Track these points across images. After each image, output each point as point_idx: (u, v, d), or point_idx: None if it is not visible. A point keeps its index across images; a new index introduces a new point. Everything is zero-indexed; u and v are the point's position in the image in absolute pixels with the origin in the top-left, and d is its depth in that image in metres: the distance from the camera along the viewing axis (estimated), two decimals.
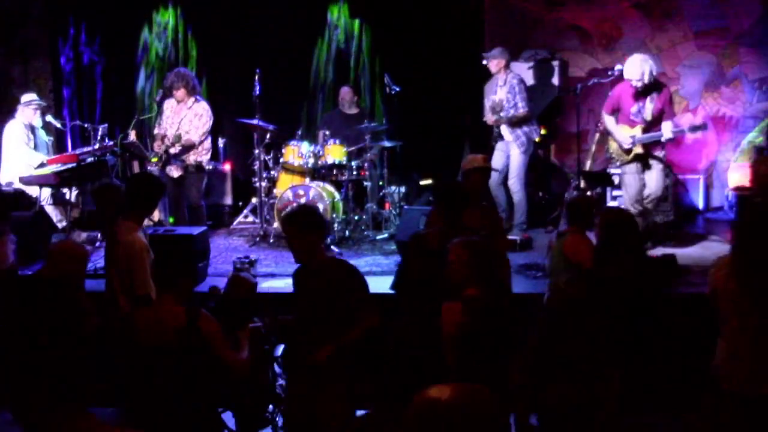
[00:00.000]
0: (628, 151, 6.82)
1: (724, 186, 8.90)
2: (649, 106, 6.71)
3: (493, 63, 7.59)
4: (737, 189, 8.47)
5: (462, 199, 4.81)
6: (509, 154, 7.64)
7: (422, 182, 8.78)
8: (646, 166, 6.84)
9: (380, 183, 8.48)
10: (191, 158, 7.48)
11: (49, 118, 8.45)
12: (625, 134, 6.82)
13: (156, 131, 7.60)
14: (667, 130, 6.70)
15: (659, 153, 6.85)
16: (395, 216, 7.98)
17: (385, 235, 7.85)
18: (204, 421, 3.76)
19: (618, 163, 6.97)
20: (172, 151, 7.42)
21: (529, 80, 8.29)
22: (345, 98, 8.79)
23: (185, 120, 7.44)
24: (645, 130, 6.77)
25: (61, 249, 4.49)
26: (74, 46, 9.74)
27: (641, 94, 6.75)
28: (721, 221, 8.50)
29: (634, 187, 6.92)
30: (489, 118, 7.71)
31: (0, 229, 5.26)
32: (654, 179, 6.86)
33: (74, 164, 7.57)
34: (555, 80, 8.61)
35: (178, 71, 7.70)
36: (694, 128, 6.97)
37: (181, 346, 3.64)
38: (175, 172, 7.44)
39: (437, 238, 4.48)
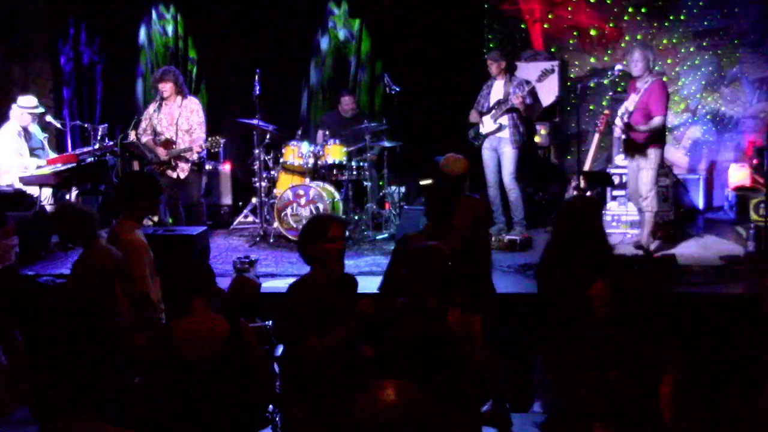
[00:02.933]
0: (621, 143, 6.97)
1: (724, 186, 8.90)
2: (634, 98, 6.78)
3: (494, 65, 7.56)
4: (737, 189, 8.47)
5: (448, 201, 4.82)
6: (501, 151, 7.60)
7: (422, 182, 8.77)
8: (636, 160, 6.87)
9: (380, 183, 8.48)
10: (195, 156, 7.48)
11: (49, 118, 8.45)
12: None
13: (145, 137, 7.47)
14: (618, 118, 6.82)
15: (651, 150, 6.78)
16: (395, 216, 7.98)
17: (385, 235, 7.85)
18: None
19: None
20: (186, 155, 7.40)
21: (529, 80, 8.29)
22: (350, 106, 8.79)
23: (182, 119, 7.42)
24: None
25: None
26: (74, 46, 9.74)
27: (636, 87, 6.82)
28: (721, 221, 8.50)
29: (630, 180, 7.04)
30: (474, 116, 7.68)
31: None
32: (641, 177, 6.87)
33: (74, 164, 7.57)
34: (555, 80, 8.60)
35: (169, 67, 7.72)
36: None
37: (227, 356, 3.56)
38: (181, 173, 7.43)
39: (423, 240, 4.46)
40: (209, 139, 7.42)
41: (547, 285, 4.38)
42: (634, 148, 6.83)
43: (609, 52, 9.14)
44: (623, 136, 6.84)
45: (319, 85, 9.71)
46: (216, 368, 3.54)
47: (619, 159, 8.01)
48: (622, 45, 9.04)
